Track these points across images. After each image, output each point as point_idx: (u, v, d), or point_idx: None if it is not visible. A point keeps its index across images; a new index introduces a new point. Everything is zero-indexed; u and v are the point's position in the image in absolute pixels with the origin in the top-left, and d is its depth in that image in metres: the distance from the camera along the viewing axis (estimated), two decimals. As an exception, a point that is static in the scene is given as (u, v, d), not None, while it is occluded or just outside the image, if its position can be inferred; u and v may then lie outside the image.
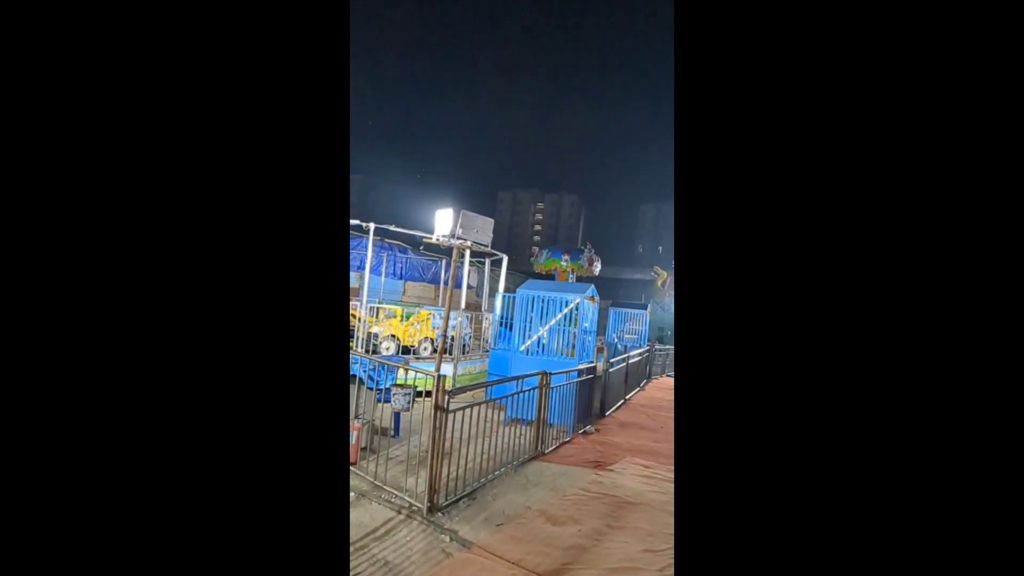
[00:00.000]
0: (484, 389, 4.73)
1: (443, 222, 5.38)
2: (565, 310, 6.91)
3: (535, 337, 6.96)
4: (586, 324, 7.47)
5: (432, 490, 3.72)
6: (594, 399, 7.24)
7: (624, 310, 14.88)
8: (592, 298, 7.25)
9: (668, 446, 5.98)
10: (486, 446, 4.41)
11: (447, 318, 5.29)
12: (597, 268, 14.96)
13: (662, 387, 11.71)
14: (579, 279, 14.77)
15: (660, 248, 77.17)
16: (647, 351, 12.17)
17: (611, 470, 4.87)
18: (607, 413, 7.61)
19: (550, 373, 5.38)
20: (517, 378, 4.88)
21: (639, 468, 5.00)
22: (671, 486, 4.53)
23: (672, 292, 30.10)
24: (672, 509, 4.01)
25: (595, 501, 4.03)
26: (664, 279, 31.05)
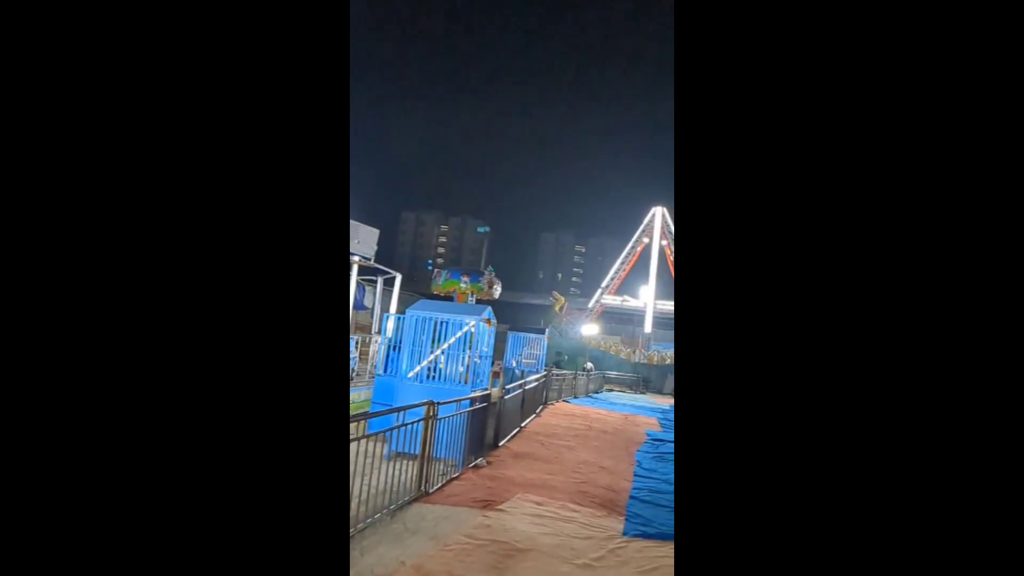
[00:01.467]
0: (362, 421, 4.11)
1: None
2: (459, 333, 6.46)
3: (425, 363, 6.43)
4: (484, 348, 7.08)
5: (282, 550, 3.05)
6: (487, 428, 6.81)
7: (523, 334, 14.73)
8: (488, 320, 6.89)
9: (562, 479, 5.67)
10: (361, 487, 3.80)
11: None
12: (497, 291, 14.69)
13: (558, 413, 11.55)
14: (479, 301, 14.42)
15: (559, 275, 79.69)
16: (544, 376, 12.01)
17: (501, 510, 4.43)
18: (501, 443, 7.20)
19: (437, 403, 4.88)
20: (397, 409, 4.33)
21: (531, 506, 4.62)
22: (564, 526, 4.18)
23: (568, 317, 30.79)
24: (564, 555, 3.64)
25: (480, 550, 3.56)
26: (562, 304, 31.73)
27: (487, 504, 4.56)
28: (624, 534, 4.13)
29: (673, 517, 4.68)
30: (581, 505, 4.78)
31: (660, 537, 4.11)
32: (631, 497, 5.17)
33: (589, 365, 23.34)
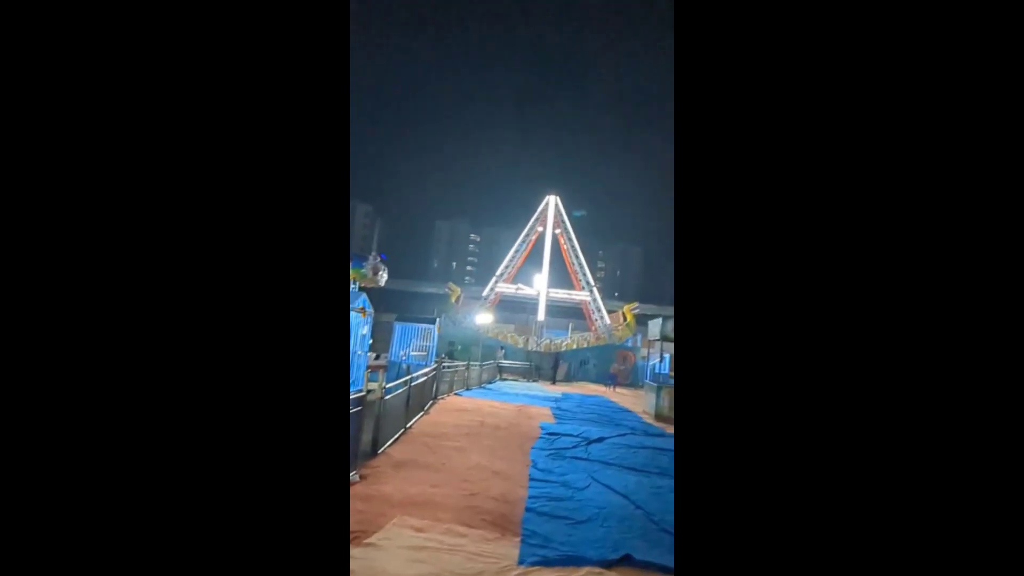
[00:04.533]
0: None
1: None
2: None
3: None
4: (370, 341, 6.08)
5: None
6: (363, 434, 5.87)
7: (411, 325, 13.73)
8: (362, 310, 5.91)
9: (449, 492, 4.92)
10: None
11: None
12: (383, 278, 13.55)
13: (449, 408, 10.77)
14: (363, 290, 13.17)
15: (454, 264, 78.82)
16: (435, 369, 11.17)
17: (371, 544, 3.57)
18: (381, 450, 6.29)
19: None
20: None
21: (410, 534, 3.80)
22: (448, 559, 3.42)
23: (465, 308, 30.09)
24: (446, 605, 2.88)
25: (334, 614, 2.68)
26: (458, 295, 30.93)
27: (354, 538, 3.67)
28: (520, 563, 3.47)
29: (574, 532, 4.12)
30: (470, 526, 4.05)
31: (561, 562, 3.49)
32: (527, 509, 4.54)
33: (501, 352, 23.36)
